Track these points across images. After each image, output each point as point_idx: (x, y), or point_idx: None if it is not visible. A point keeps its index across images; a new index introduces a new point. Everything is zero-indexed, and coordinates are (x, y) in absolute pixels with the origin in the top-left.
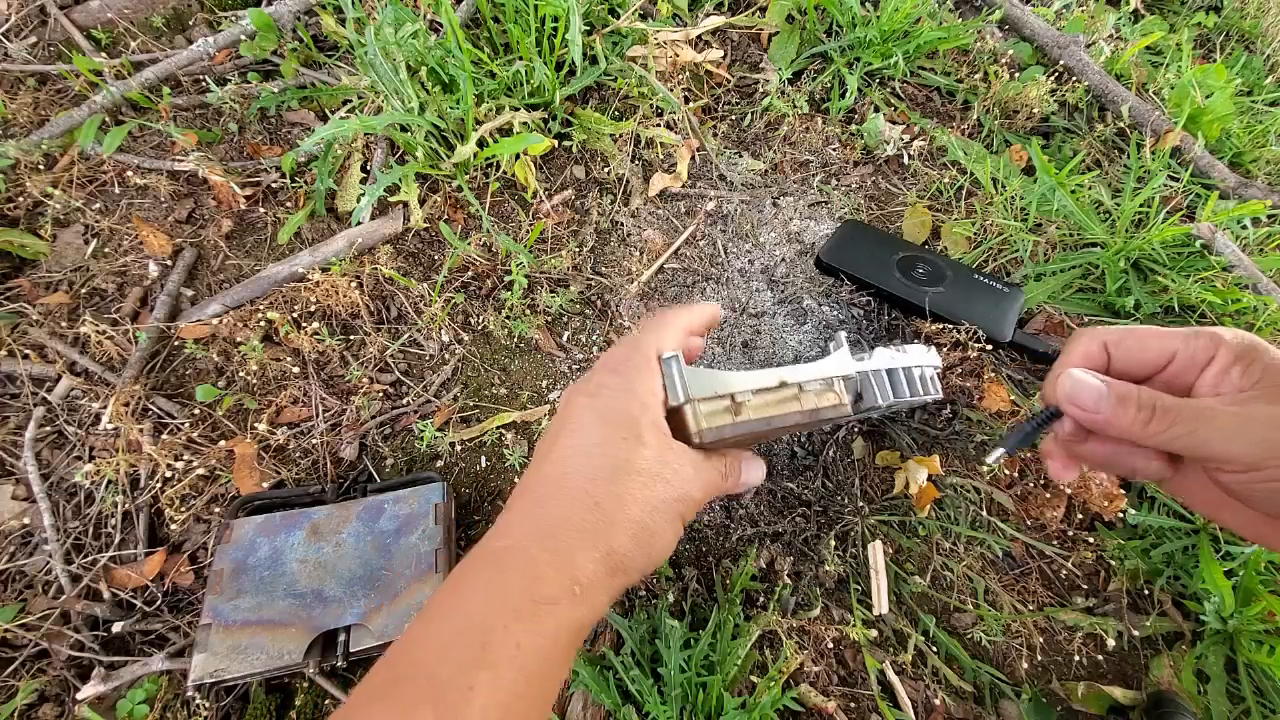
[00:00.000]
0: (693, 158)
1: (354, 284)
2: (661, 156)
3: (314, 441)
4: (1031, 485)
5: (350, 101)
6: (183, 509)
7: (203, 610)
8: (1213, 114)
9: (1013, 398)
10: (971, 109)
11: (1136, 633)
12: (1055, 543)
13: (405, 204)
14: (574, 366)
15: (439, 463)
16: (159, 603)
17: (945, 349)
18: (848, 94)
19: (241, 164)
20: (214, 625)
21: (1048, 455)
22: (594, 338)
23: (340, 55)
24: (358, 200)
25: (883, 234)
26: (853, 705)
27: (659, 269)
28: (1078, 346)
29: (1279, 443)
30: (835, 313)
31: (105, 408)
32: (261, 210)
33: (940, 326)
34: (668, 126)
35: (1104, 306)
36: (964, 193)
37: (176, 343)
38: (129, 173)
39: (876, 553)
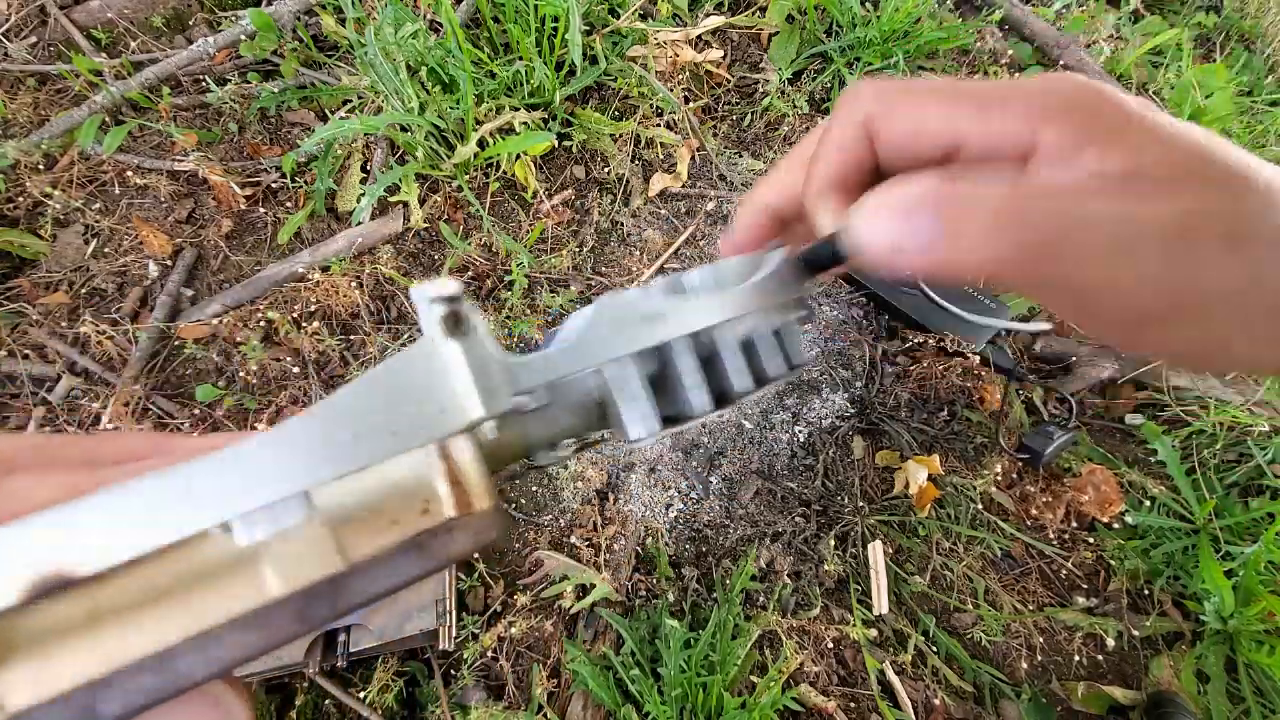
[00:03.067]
0: (693, 158)
1: (354, 284)
2: (661, 156)
3: None
4: (1030, 486)
5: (350, 101)
6: None
7: None
8: (1213, 114)
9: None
10: None
11: (1136, 633)
12: (1055, 543)
13: (405, 204)
14: None
15: None
16: None
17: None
18: None
19: (241, 164)
20: None
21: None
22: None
23: (340, 55)
24: (358, 200)
25: None
26: (853, 705)
27: (659, 269)
28: (832, 140)
29: (1181, 284)
30: (835, 313)
31: (105, 408)
32: (261, 210)
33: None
34: (668, 126)
35: None
36: None
37: (176, 343)
38: (129, 173)
39: (876, 553)
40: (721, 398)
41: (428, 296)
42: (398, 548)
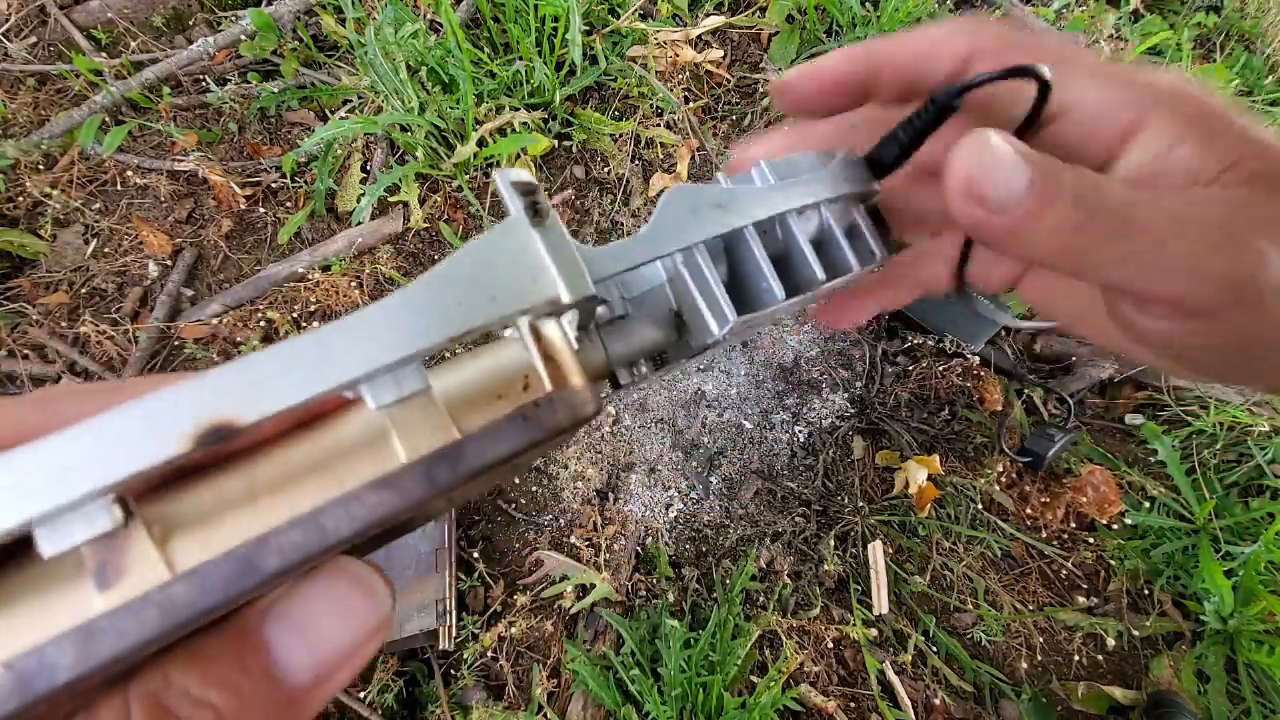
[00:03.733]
0: (693, 158)
1: (354, 284)
2: (661, 156)
3: None
4: (1030, 486)
5: (350, 101)
6: None
7: None
8: None
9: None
10: None
11: (1136, 633)
12: (1055, 543)
13: (405, 204)
14: None
15: None
16: None
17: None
18: None
19: (241, 164)
20: None
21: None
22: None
23: (340, 55)
24: (358, 200)
25: None
26: (853, 705)
27: None
28: (944, 41)
29: (1243, 278)
30: None
31: None
32: (261, 210)
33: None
34: (668, 126)
35: None
36: None
37: (176, 342)
38: (129, 173)
39: (876, 553)
40: (794, 289)
41: (509, 180)
42: (505, 419)
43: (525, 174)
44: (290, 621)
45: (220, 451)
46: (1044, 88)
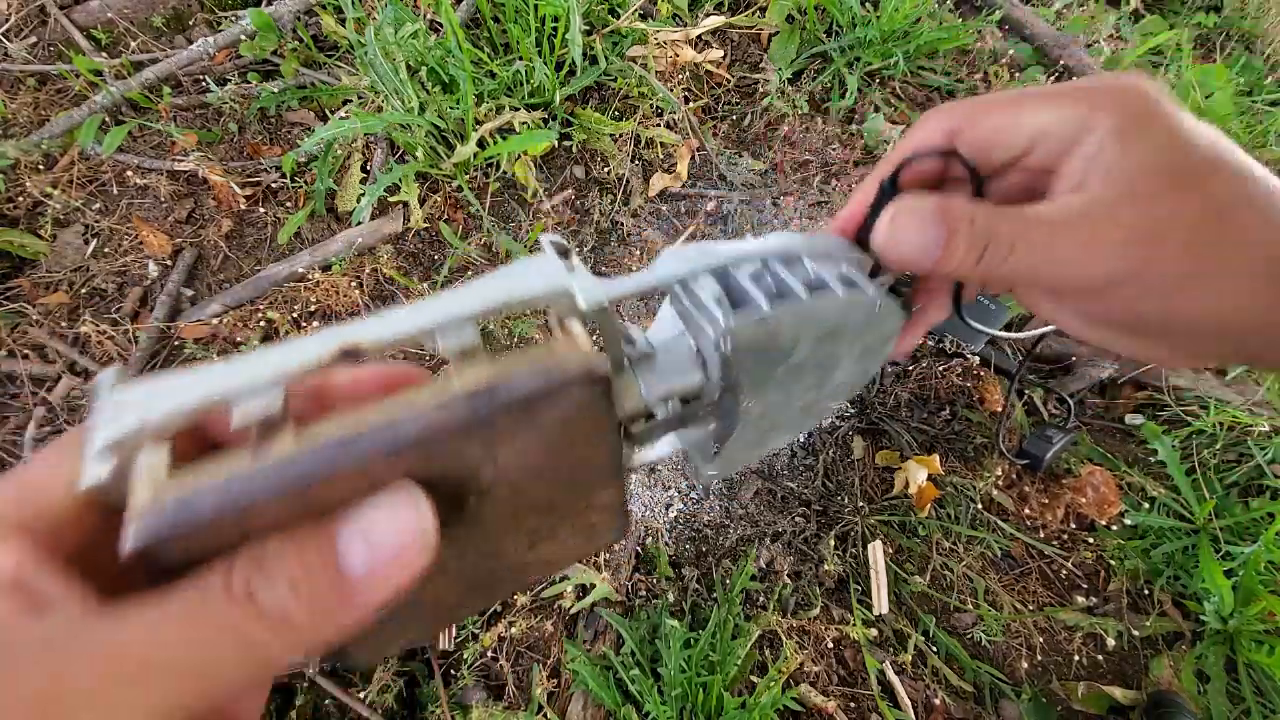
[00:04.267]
0: (693, 158)
1: (354, 284)
2: (661, 156)
3: None
4: (1030, 487)
5: (350, 101)
6: None
7: None
8: (1213, 114)
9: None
10: None
11: (1136, 633)
12: (1055, 543)
13: (405, 204)
14: None
15: None
16: None
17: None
18: (848, 94)
19: (241, 164)
20: None
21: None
22: (593, 338)
23: (340, 55)
24: (358, 200)
25: None
26: (853, 705)
27: None
28: (910, 142)
29: (1139, 258)
30: None
31: None
32: (261, 210)
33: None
34: (668, 126)
35: None
36: None
37: (176, 342)
38: (129, 173)
39: (876, 553)
40: (777, 298)
41: (549, 239)
42: (528, 369)
43: (560, 239)
44: (355, 525)
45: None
46: (967, 164)
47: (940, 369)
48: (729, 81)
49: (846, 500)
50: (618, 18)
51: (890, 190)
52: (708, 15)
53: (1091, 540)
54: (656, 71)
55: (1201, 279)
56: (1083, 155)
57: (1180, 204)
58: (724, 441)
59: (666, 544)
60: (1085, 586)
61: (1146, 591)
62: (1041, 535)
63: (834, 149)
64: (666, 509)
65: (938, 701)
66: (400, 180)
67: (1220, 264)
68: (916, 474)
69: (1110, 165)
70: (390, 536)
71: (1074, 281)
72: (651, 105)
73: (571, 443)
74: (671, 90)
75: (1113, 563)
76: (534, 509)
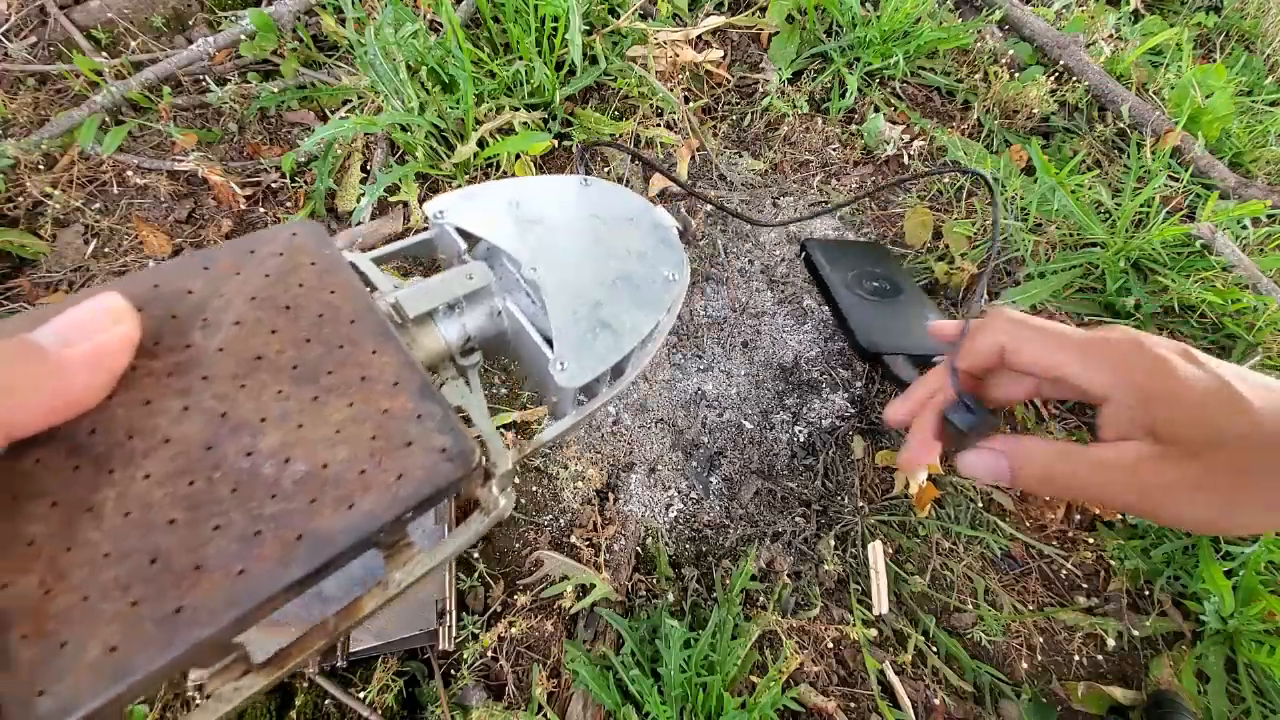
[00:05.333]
0: (693, 158)
1: None
2: (661, 156)
3: None
4: None
5: (350, 101)
6: None
7: None
8: (1213, 114)
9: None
10: (971, 109)
11: (1136, 633)
12: (1055, 543)
13: (405, 204)
14: None
15: None
16: None
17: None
18: (848, 94)
19: (241, 164)
20: None
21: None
22: None
23: (340, 55)
24: (358, 200)
25: (877, 247)
26: (853, 705)
27: None
28: (976, 347)
29: (1155, 488)
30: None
31: None
32: (261, 210)
33: None
34: (668, 126)
35: (1104, 306)
36: (964, 193)
37: None
38: (129, 173)
39: (876, 553)
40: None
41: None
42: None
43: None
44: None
45: None
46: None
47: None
48: (729, 81)
49: (846, 500)
50: (618, 18)
51: (956, 385)
52: (708, 15)
53: (1091, 540)
54: (656, 71)
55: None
56: (1111, 413)
57: (1204, 467)
58: (547, 328)
59: (666, 544)
60: (1085, 586)
61: (1146, 591)
62: (1042, 535)
63: (834, 149)
64: (666, 509)
65: (938, 701)
66: (400, 180)
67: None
68: (916, 474)
69: (1129, 424)
70: (82, 317)
71: (1119, 505)
72: (651, 105)
73: (299, 282)
74: (671, 90)
75: (1113, 563)
76: (281, 366)
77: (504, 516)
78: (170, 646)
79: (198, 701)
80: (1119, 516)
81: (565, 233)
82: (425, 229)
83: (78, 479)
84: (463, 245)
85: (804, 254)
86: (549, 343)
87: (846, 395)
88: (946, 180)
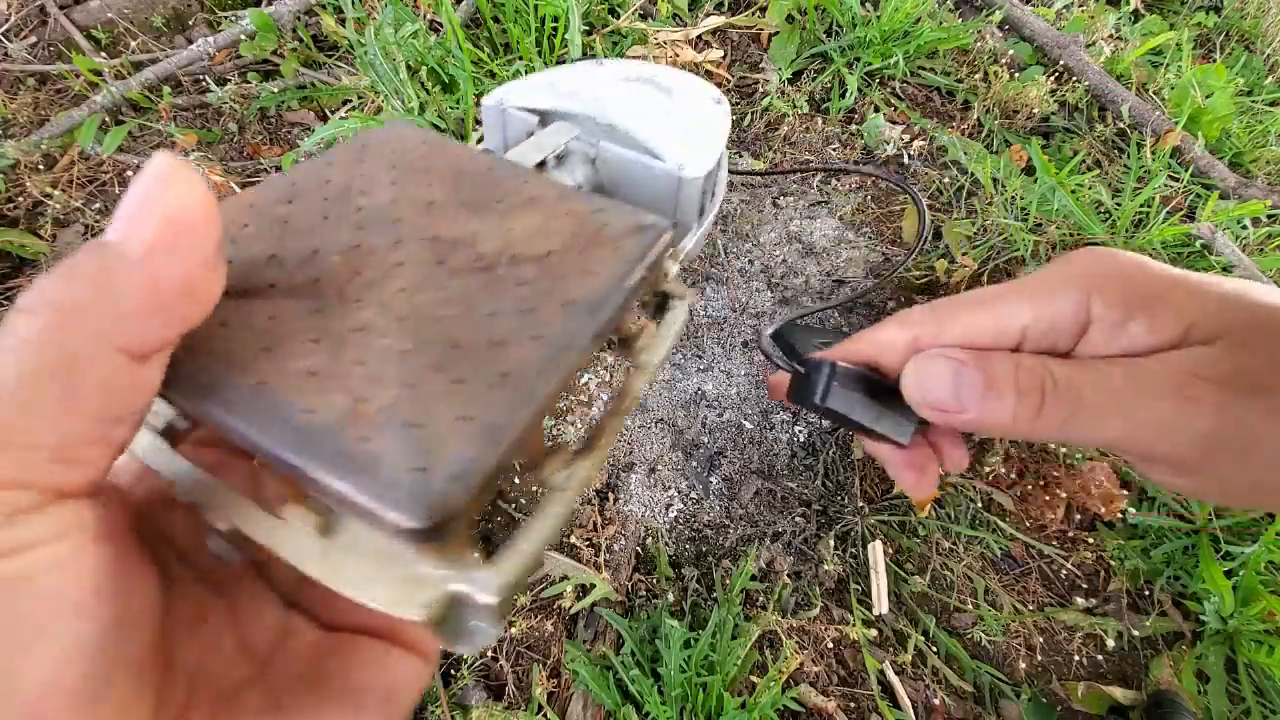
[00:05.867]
0: None
1: None
2: None
3: None
4: (1030, 486)
5: (350, 101)
6: None
7: None
8: (1213, 114)
9: None
10: (971, 109)
11: (1136, 633)
12: (1055, 543)
13: None
14: None
15: None
16: None
17: None
18: (848, 94)
19: (241, 164)
20: None
21: (904, 467)
22: None
23: (340, 55)
24: None
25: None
26: (853, 705)
27: None
28: (870, 335)
29: (1229, 439)
30: (835, 315)
31: None
32: None
33: None
34: None
35: None
36: (964, 193)
37: None
38: (129, 172)
39: (876, 553)
40: None
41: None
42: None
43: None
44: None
45: None
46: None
47: None
48: (729, 81)
49: (846, 500)
50: (618, 18)
51: (829, 375)
52: (708, 15)
53: (1091, 540)
54: None
55: None
56: (1101, 336)
57: (1243, 359)
58: (643, 152)
59: (666, 544)
60: (1085, 586)
61: (1146, 591)
62: (1042, 535)
63: (834, 149)
64: (666, 509)
65: (938, 702)
66: None
67: None
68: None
69: (1144, 338)
70: (146, 199)
71: (1167, 452)
72: None
73: (422, 155)
74: None
75: (1113, 563)
76: (457, 204)
77: (690, 309)
78: (519, 402)
79: (521, 518)
80: (1119, 516)
81: (607, 88)
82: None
83: (327, 316)
84: (533, 119)
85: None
86: (654, 161)
87: None
88: (947, 180)
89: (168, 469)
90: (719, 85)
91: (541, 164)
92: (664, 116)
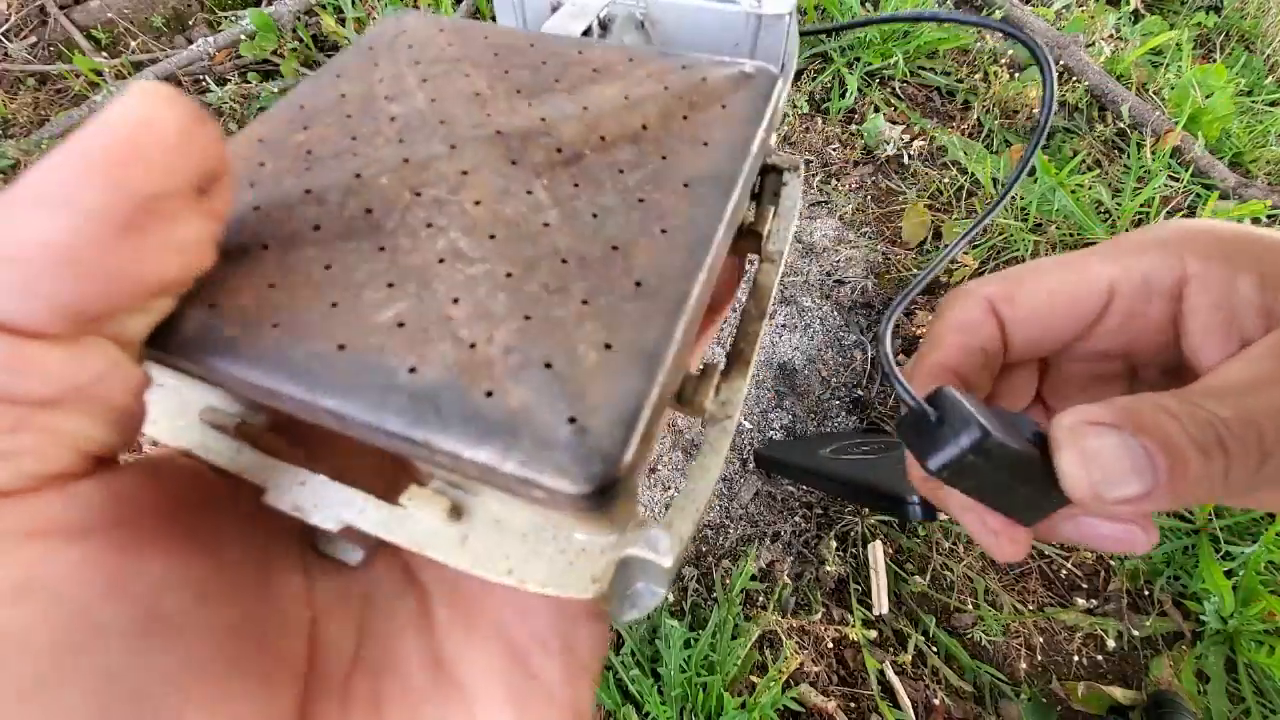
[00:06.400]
0: None
1: None
2: None
3: None
4: None
5: None
6: None
7: None
8: (1213, 114)
9: None
10: (971, 109)
11: (1136, 633)
12: (1055, 542)
13: None
14: None
15: None
16: None
17: None
18: (848, 94)
19: None
20: None
21: (998, 534)
22: None
23: None
24: None
25: (837, 435)
26: (853, 705)
27: None
28: (948, 322)
29: None
30: (835, 316)
31: None
32: None
33: None
34: None
35: None
36: (964, 192)
37: None
38: None
39: (876, 553)
40: None
41: None
42: None
43: None
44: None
45: None
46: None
47: None
48: None
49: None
50: None
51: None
52: None
53: None
54: None
55: None
56: (1200, 293)
57: None
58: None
59: None
60: (1085, 587)
61: (1146, 592)
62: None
63: (834, 149)
64: (666, 509)
65: (938, 702)
66: None
67: None
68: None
69: (1260, 302)
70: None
71: None
72: None
73: (448, 43)
74: None
75: (1113, 563)
76: (510, 88)
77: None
78: (667, 315)
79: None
80: None
81: None
82: None
83: (396, 251)
84: None
85: (763, 465)
86: (722, 4)
87: (847, 395)
88: (946, 180)
89: (258, 474)
90: None
91: (585, 33)
92: None
